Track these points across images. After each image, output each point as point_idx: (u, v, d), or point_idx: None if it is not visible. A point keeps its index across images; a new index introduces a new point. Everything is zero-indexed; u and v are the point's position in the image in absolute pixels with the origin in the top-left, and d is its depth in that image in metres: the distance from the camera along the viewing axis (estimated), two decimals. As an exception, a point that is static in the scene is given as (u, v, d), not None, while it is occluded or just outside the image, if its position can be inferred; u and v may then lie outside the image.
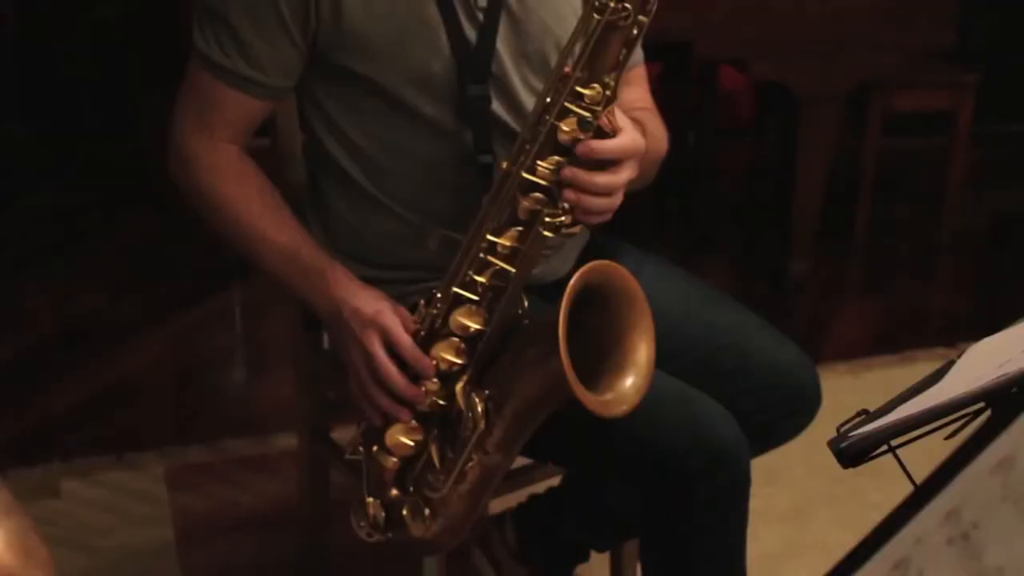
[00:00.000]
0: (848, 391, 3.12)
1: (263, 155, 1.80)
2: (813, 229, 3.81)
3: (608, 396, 1.46)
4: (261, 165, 1.72)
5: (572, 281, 1.41)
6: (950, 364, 1.38)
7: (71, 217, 4.28)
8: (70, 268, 3.86)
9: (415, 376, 1.53)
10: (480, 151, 1.65)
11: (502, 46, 1.66)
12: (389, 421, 1.56)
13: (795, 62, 3.50)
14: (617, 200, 1.51)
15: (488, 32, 1.64)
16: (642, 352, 1.48)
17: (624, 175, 1.50)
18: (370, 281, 1.67)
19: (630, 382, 1.47)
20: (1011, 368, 1.18)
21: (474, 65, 1.63)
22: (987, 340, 1.40)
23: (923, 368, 1.39)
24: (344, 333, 1.59)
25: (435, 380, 1.53)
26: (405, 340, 1.54)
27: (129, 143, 4.52)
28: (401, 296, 1.65)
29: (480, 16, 1.64)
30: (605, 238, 1.88)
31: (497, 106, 1.66)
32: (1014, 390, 1.14)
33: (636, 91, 1.83)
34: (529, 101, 1.67)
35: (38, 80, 4.72)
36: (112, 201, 4.38)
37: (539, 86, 1.67)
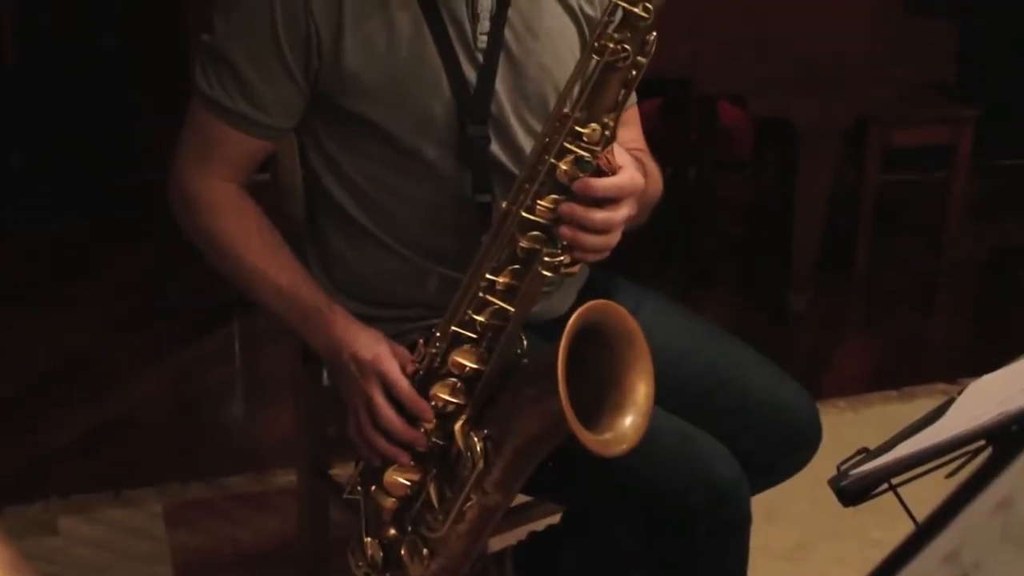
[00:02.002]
0: (848, 426, 3.11)
1: (263, 191, 1.80)
2: (813, 263, 3.81)
3: (607, 435, 1.46)
4: (261, 201, 1.73)
5: (571, 320, 1.41)
6: (950, 401, 1.38)
7: (70, 250, 4.28)
8: (69, 301, 3.85)
9: (414, 418, 1.53)
10: (479, 191, 1.65)
11: (501, 87, 1.67)
12: (387, 462, 1.56)
13: (794, 97, 3.51)
14: (615, 238, 1.52)
15: (488, 73, 1.65)
16: (641, 391, 1.48)
17: (622, 212, 1.50)
18: (369, 319, 1.67)
19: (629, 421, 1.47)
20: (1011, 406, 1.18)
21: (474, 106, 1.64)
22: (987, 377, 1.41)
23: (923, 403, 1.39)
24: (343, 375, 1.60)
25: (433, 421, 1.53)
26: (403, 385, 1.54)
27: (129, 176, 4.53)
28: (400, 334, 1.65)
29: (480, 57, 1.65)
30: (605, 275, 1.88)
31: (495, 147, 1.67)
32: (1014, 428, 1.14)
33: (630, 132, 1.84)
34: (527, 142, 1.68)
35: (38, 112, 4.74)
36: (112, 234, 4.38)
37: (537, 127, 1.68)
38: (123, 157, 4.73)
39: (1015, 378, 1.33)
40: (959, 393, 1.40)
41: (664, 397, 1.53)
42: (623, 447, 1.46)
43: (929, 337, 3.95)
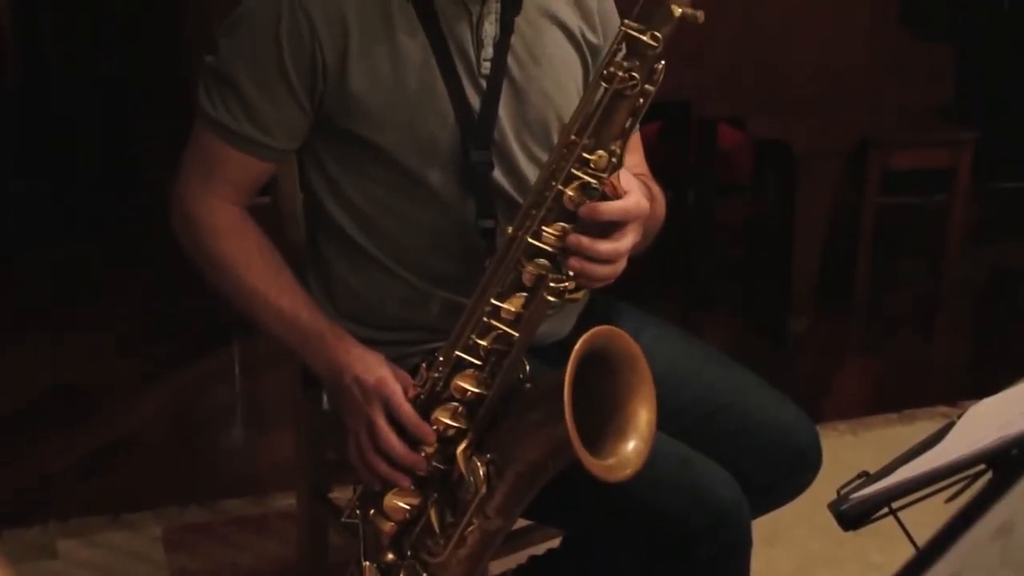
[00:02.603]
0: (849, 449, 3.11)
1: (263, 213, 1.80)
2: (812, 286, 3.81)
3: (611, 460, 1.46)
4: (261, 223, 1.73)
5: (577, 347, 1.41)
6: (950, 425, 1.38)
7: (71, 273, 4.29)
8: (69, 324, 3.85)
9: (415, 442, 1.53)
10: (482, 216, 1.66)
11: (503, 113, 1.67)
12: (387, 486, 1.56)
13: (794, 120, 3.52)
14: (620, 267, 1.53)
15: (491, 99, 1.66)
16: (643, 417, 1.48)
17: (627, 241, 1.51)
18: (371, 342, 1.67)
19: (632, 446, 1.47)
20: (1011, 430, 1.18)
21: (477, 131, 1.65)
22: (987, 401, 1.41)
23: (924, 426, 1.39)
24: (345, 399, 1.60)
25: (435, 445, 1.53)
26: (406, 409, 1.54)
27: (129, 199, 4.54)
28: (401, 357, 1.66)
29: (483, 83, 1.66)
30: (606, 299, 1.88)
31: (497, 172, 1.68)
32: (1014, 452, 1.14)
33: (633, 157, 1.84)
34: (528, 168, 1.69)
35: (39, 135, 4.75)
36: (112, 257, 4.39)
37: (539, 154, 1.69)
38: (123, 180, 4.74)
39: (1015, 402, 1.33)
40: (959, 417, 1.40)
41: (664, 421, 1.53)
42: (627, 472, 1.46)
43: (929, 360, 3.95)
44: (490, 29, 1.66)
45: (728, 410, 1.79)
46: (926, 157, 4.23)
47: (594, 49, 1.78)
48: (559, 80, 1.72)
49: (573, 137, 1.48)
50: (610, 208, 1.49)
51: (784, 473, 1.81)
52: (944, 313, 4.34)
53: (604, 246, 1.49)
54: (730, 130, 4.77)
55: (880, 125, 3.71)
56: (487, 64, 1.66)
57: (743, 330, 4.08)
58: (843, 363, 3.85)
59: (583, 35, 1.77)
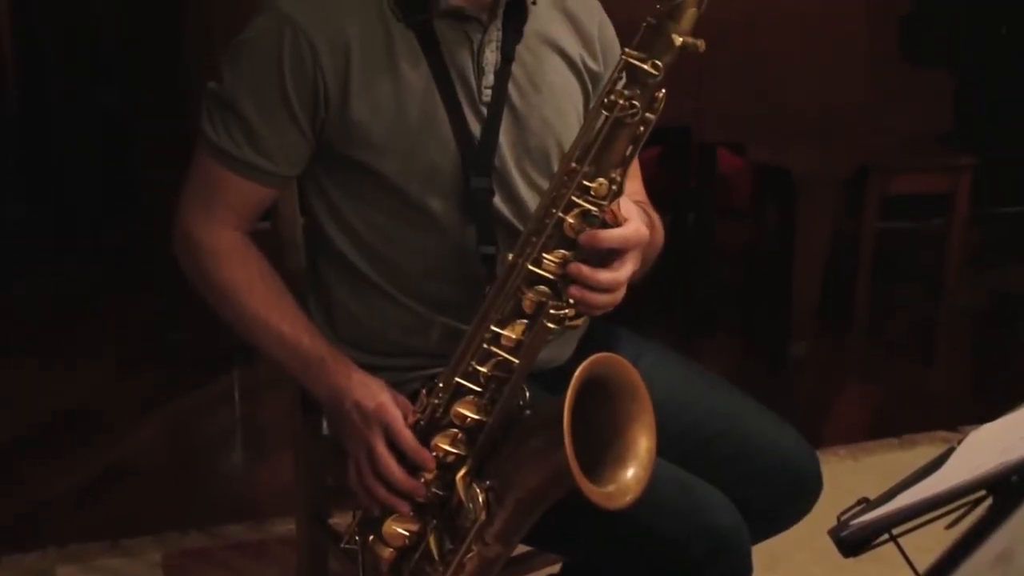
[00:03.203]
0: (849, 475, 3.10)
1: (264, 239, 1.81)
2: (812, 310, 3.82)
3: (610, 488, 1.46)
4: (261, 249, 1.73)
5: (576, 374, 1.41)
6: (950, 451, 1.38)
7: (71, 299, 4.29)
8: (70, 350, 3.86)
9: (415, 468, 1.53)
10: (483, 243, 1.66)
11: (504, 140, 1.68)
12: (387, 512, 1.56)
13: (793, 146, 3.52)
14: (620, 295, 1.53)
15: (492, 126, 1.66)
16: (643, 444, 1.48)
17: (627, 269, 1.52)
18: (371, 367, 1.67)
19: (631, 473, 1.47)
20: (1011, 456, 1.18)
21: (478, 158, 1.65)
22: (987, 426, 1.41)
23: (924, 451, 1.39)
24: (345, 424, 1.59)
25: (434, 471, 1.53)
26: (406, 435, 1.54)
27: (129, 226, 4.54)
28: (401, 383, 1.65)
29: (484, 111, 1.66)
30: (605, 325, 1.88)
31: (498, 199, 1.68)
32: (1014, 478, 1.14)
33: (632, 184, 1.85)
34: (529, 195, 1.69)
35: (39, 162, 4.76)
36: (113, 283, 4.39)
37: (539, 181, 1.70)
38: (123, 207, 4.75)
39: (1015, 427, 1.33)
40: (959, 442, 1.40)
41: (664, 446, 1.53)
42: (626, 499, 1.45)
43: (929, 385, 3.95)
44: (491, 57, 1.67)
45: (728, 435, 1.79)
46: (925, 182, 4.25)
47: (595, 76, 1.79)
48: (560, 107, 1.72)
49: (573, 165, 1.49)
50: (610, 236, 1.49)
51: (784, 498, 1.80)
52: (944, 338, 4.35)
53: (604, 275, 1.49)
54: (730, 155, 4.78)
55: (879, 150, 3.72)
56: (488, 91, 1.67)
57: (743, 354, 4.09)
58: (843, 388, 3.84)
59: (584, 62, 1.78)
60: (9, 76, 4.66)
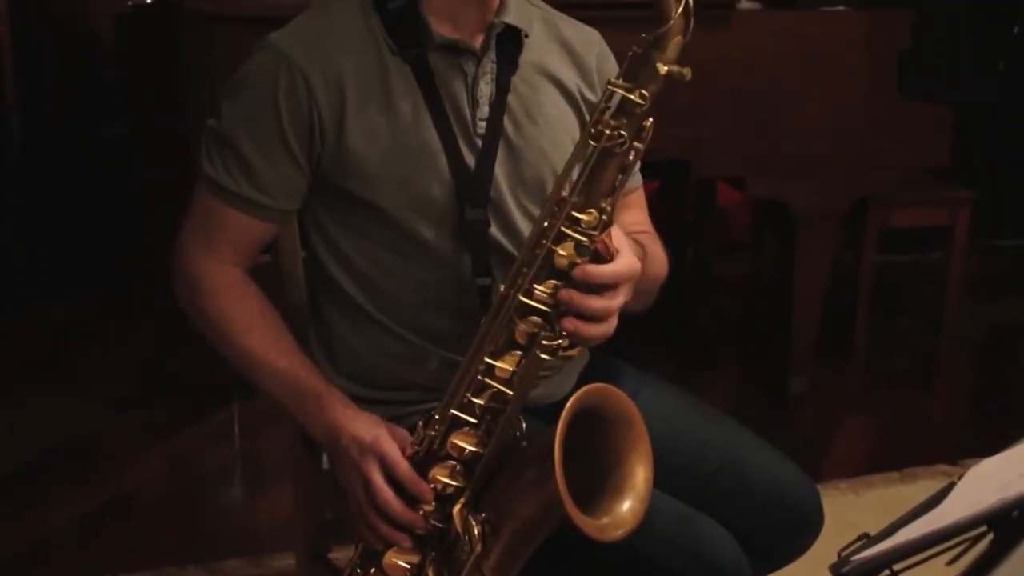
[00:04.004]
0: (850, 508, 3.10)
1: (265, 272, 1.81)
2: (812, 344, 3.81)
3: (605, 520, 1.46)
4: (262, 283, 1.74)
5: (569, 404, 1.42)
6: (951, 486, 1.38)
7: (72, 331, 4.29)
8: (71, 382, 3.86)
9: (413, 500, 1.53)
10: (478, 274, 1.66)
11: (499, 171, 1.69)
12: (388, 545, 1.55)
13: (791, 180, 3.53)
14: (612, 325, 1.53)
15: (486, 158, 1.67)
16: (640, 475, 1.48)
17: (619, 300, 1.52)
18: (370, 401, 1.67)
19: (627, 506, 1.47)
20: (1011, 492, 1.18)
21: (473, 190, 1.66)
22: (987, 461, 1.41)
23: (925, 485, 1.39)
24: (343, 460, 1.59)
25: (432, 503, 1.53)
26: (403, 466, 1.54)
27: (130, 259, 4.55)
28: (400, 416, 1.66)
29: (479, 142, 1.67)
30: (605, 358, 1.88)
31: (495, 230, 1.68)
32: (1015, 514, 1.14)
33: (636, 214, 1.86)
34: (525, 226, 1.70)
35: (41, 196, 4.78)
36: (113, 315, 4.40)
37: (535, 211, 1.70)
38: (124, 240, 4.76)
39: (1015, 463, 1.33)
40: (959, 477, 1.40)
41: (663, 480, 1.53)
42: (620, 532, 1.45)
43: (930, 418, 3.94)
44: (486, 88, 1.68)
45: (727, 469, 1.79)
46: (924, 215, 4.26)
47: (592, 107, 1.80)
48: (556, 139, 1.73)
49: (563, 195, 1.50)
50: (603, 272, 1.49)
51: (784, 533, 1.80)
52: (944, 370, 4.35)
53: (596, 302, 1.49)
54: (729, 188, 4.80)
55: (878, 184, 3.73)
56: (483, 123, 1.68)
57: (743, 388, 4.08)
58: (843, 421, 3.84)
59: (581, 93, 1.78)
60: (12, 110, 4.67)
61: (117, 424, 3.59)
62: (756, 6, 3.73)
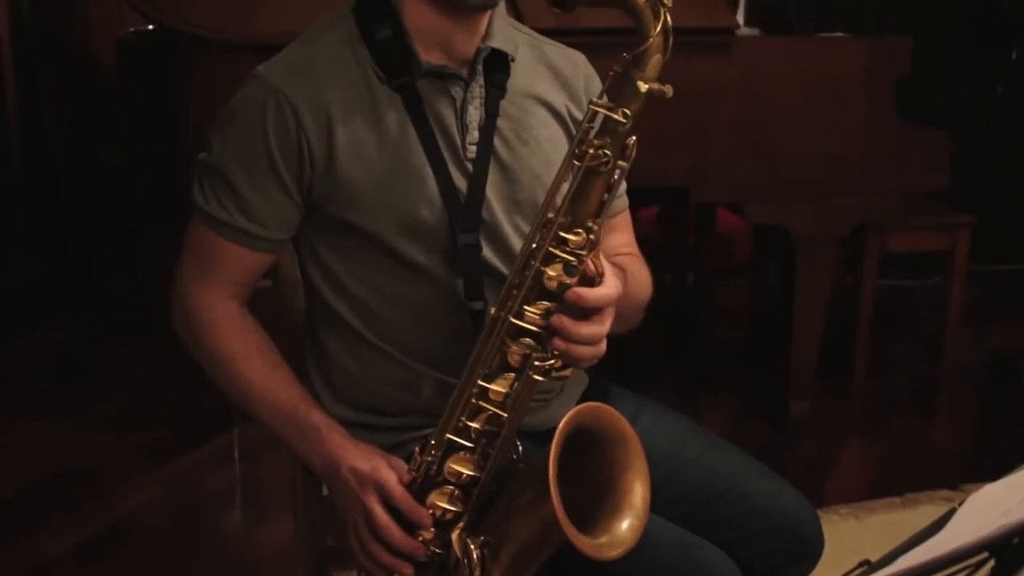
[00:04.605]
0: (851, 534, 3.09)
1: (266, 298, 1.82)
2: (812, 369, 3.81)
3: (603, 539, 1.46)
4: (263, 307, 1.74)
5: (562, 424, 1.42)
6: (951, 512, 1.38)
7: (72, 355, 4.29)
8: (69, 408, 3.86)
9: (413, 527, 1.53)
10: (471, 298, 1.67)
11: (492, 194, 1.69)
12: (389, 573, 1.55)
13: (791, 205, 3.54)
14: (602, 348, 1.53)
15: (478, 181, 1.68)
16: (638, 493, 1.48)
17: (607, 324, 1.52)
18: (367, 428, 1.68)
19: (626, 524, 1.47)
20: (1013, 518, 1.18)
21: (465, 214, 1.66)
22: (988, 488, 1.40)
23: (926, 511, 1.38)
24: (342, 490, 1.60)
25: (431, 529, 1.53)
26: (400, 493, 1.54)
27: (130, 284, 4.55)
28: (398, 444, 1.66)
29: (469, 167, 1.67)
30: (603, 384, 1.88)
31: (488, 253, 1.69)
32: (1016, 540, 1.14)
33: (622, 236, 1.86)
34: (520, 247, 1.70)
35: (41, 221, 4.78)
36: (112, 341, 4.40)
37: (529, 232, 1.70)
38: (124, 265, 4.77)
39: (1017, 488, 1.33)
40: (960, 503, 1.39)
41: (664, 505, 1.53)
42: (618, 551, 1.45)
43: (930, 443, 3.94)
44: (475, 113, 1.69)
45: (728, 495, 1.79)
46: (924, 240, 4.27)
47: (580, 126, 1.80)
48: (548, 159, 1.73)
49: (550, 215, 1.50)
50: (593, 295, 1.50)
51: (785, 559, 1.79)
52: (944, 395, 4.35)
53: (586, 328, 1.50)
54: (729, 214, 4.80)
55: (878, 209, 3.74)
56: (473, 148, 1.68)
57: (743, 413, 4.08)
58: (844, 446, 3.83)
59: (570, 114, 1.79)
60: (13, 134, 4.68)
61: (116, 449, 3.58)
62: (756, 33, 3.75)
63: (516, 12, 2.90)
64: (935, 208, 4.25)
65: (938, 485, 3.43)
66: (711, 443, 1.88)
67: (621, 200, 1.87)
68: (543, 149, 1.74)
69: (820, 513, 1.85)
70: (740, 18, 3.78)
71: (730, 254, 5.24)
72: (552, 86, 1.79)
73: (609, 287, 1.51)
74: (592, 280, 1.50)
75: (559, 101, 1.78)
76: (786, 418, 3.85)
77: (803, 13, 5.07)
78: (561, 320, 1.49)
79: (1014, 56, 5.46)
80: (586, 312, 1.50)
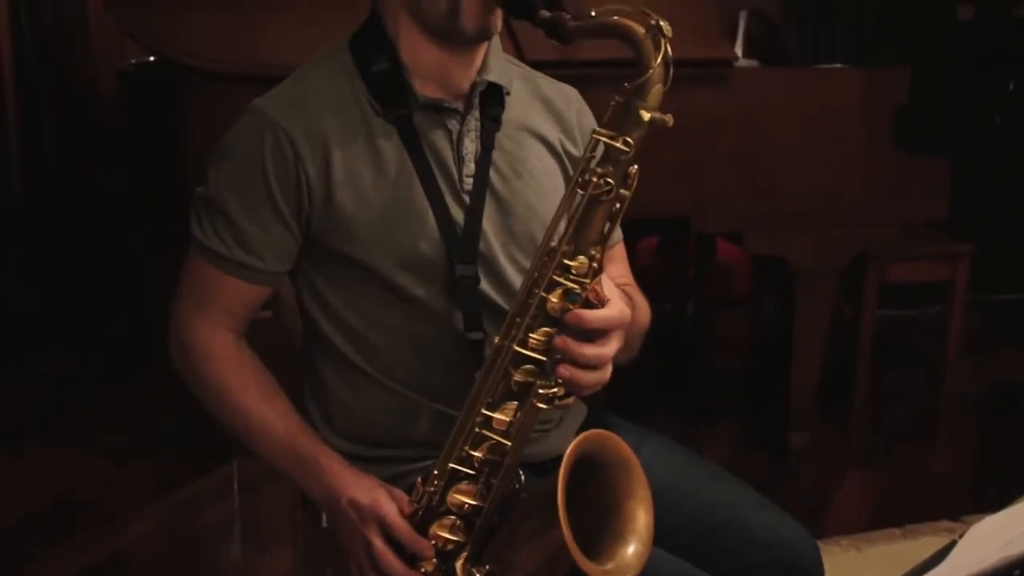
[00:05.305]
0: (852, 565, 3.08)
1: (265, 328, 1.82)
2: (812, 399, 3.81)
3: (609, 566, 1.45)
4: (263, 338, 1.74)
5: (568, 451, 1.42)
6: (952, 544, 1.37)
7: (71, 385, 4.29)
8: (69, 436, 3.85)
9: (414, 558, 1.53)
10: (470, 329, 1.67)
11: (488, 226, 1.70)
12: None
13: (790, 236, 3.54)
14: (607, 373, 1.53)
15: (474, 214, 1.68)
16: (641, 519, 1.48)
17: (612, 346, 1.52)
18: (367, 460, 1.68)
19: (632, 550, 1.47)
20: (1014, 549, 1.17)
21: (462, 246, 1.67)
22: (989, 520, 1.40)
23: (927, 542, 1.38)
24: (342, 523, 1.60)
25: (434, 560, 1.53)
26: (401, 525, 1.54)
27: (129, 313, 4.55)
28: (399, 476, 1.66)
29: (466, 199, 1.68)
30: (603, 415, 1.89)
31: (485, 284, 1.69)
32: (1016, 572, 1.14)
33: (617, 267, 1.87)
34: (516, 279, 1.71)
35: (41, 249, 4.78)
36: (112, 371, 4.39)
37: (526, 265, 1.71)
38: (124, 293, 4.77)
39: (1017, 520, 1.33)
40: (961, 535, 1.39)
41: (665, 537, 1.53)
42: (627, 576, 1.45)
43: (931, 473, 3.93)
44: (471, 146, 1.69)
45: (728, 526, 1.78)
46: (923, 270, 4.28)
47: (575, 161, 1.81)
48: (542, 192, 1.74)
49: (553, 244, 1.50)
50: (595, 316, 1.50)
51: (786, 589, 1.79)
52: (945, 425, 4.34)
53: (589, 350, 1.50)
54: (728, 245, 4.81)
55: (877, 239, 3.74)
56: (469, 180, 1.69)
57: (743, 444, 4.07)
58: (844, 477, 3.82)
59: (563, 147, 1.80)
60: (14, 161, 4.69)
61: (116, 478, 3.58)
62: (754, 64, 3.76)
63: (515, 44, 2.91)
64: (935, 238, 4.26)
65: (939, 516, 3.42)
66: (711, 474, 1.88)
67: (616, 232, 1.87)
68: (537, 181, 1.75)
69: (820, 544, 1.85)
70: (738, 50, 3.79)
71: (730, 285, 5.25)
72: (546, 119, 1.80)
73: (612, 310, 1.51)
74: (594, 307, 1.51)
75: (552, 134, 1.79)
76: (786, 448, 3.84)
77: (801, 44, 5.09)
78: (564, 341, 1.49)
79: (1012, 86, 5.48)
80: (588, 336, 1.50)
